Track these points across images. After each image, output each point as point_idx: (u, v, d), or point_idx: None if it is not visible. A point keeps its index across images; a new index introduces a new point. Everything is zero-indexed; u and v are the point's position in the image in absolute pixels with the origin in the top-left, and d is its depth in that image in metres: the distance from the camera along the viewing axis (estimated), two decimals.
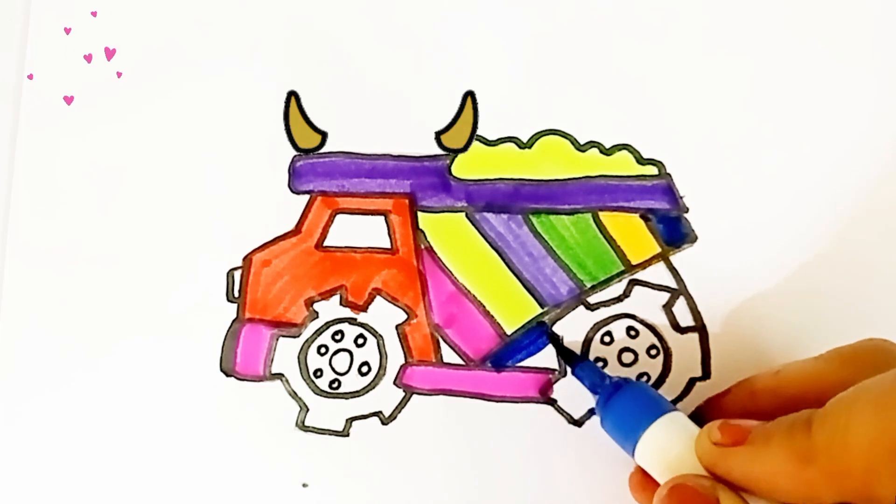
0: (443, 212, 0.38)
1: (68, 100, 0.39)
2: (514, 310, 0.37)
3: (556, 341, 0.37)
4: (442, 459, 0.37)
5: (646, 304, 0.37)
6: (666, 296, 0.37)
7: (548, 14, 0.39)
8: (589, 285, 0.37)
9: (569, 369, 0.36)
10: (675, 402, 0.36)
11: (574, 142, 0.38)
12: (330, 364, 0.38)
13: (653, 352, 0.37)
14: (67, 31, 0.40)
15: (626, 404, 0.33)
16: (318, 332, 0.38)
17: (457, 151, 0.38)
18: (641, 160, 0.38)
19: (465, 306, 0.37)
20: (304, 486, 0.37)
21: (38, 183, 0.39)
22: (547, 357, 0.37)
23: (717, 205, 0.37)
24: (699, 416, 0.33)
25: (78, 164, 0.39)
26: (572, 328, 0.37)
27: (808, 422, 0.28)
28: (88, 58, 0.39)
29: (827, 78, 0.38)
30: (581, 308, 0.37)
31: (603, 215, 0.37)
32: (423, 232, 0.38)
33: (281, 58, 0.39)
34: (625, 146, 0.38)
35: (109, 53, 0.39)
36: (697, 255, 0.37)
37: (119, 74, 0.39)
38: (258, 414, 0.37)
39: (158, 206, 0.38)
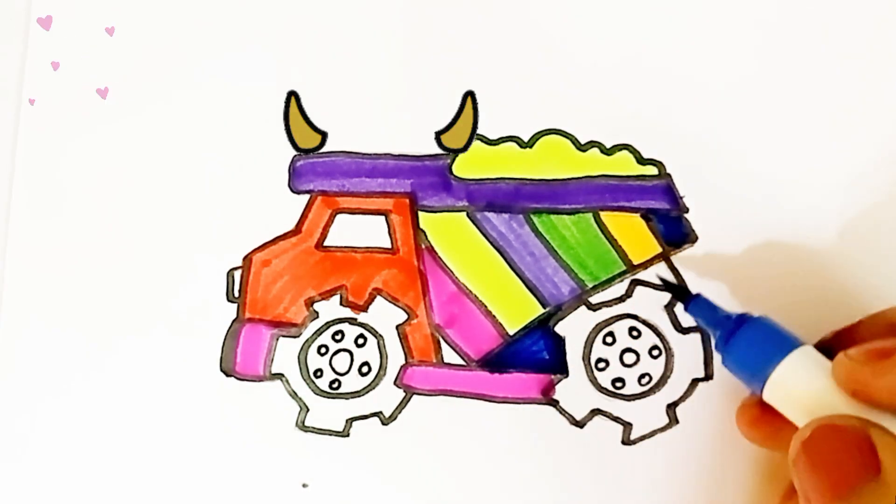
0: (444, 211, 0.38)
1: (69, 100, 0.39)
2: (515, 310, 0.37)
3: (665, 280, 0.36)
4: (442, 460, 0.37)
5: (647, 304, 0.37)
6: (668, 296, 0.37)
7: (548, 14, 0.39)
8: (590, 285, 0.37)
9: (571, 370, 0.37)
10: (676, 403, 0.36)
11: (575, 141, 0.38)
12: (330, 364, 0.38)
13: (655, 352, 0.37)
14: (67, 30, 0.39)
15: (753, 339, 0.31)
16: (319, 332, 0.38)
17: (457, 151, 0.38)
18: (642, 160, 0.38)
19: (466, 306, 0.37)
20: (304, 486, 0.37)
21: (39, 183, 0.39)
22: (548, 357, 0.37)
23: (717, 205, 0.37)
24: (825, 353, 0.31)
25: (78, 164, 0.39)
26: (574, 328, 0.37)
27: None
28: (88, 57, 0.39)
29: (827, 78, 0.38)
30: (583, 308, 0.37)
31: (604, 215, 0.37)
32: (423, 231, 0.38)
33: (281, 58, 0.39)
34: (625, 146, 0.38)
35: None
36: (697, 255, 0.37)
37: (119, 74, 0.39)
38: (258, 414, 0.37)
39: (158, 206, 0.38)
